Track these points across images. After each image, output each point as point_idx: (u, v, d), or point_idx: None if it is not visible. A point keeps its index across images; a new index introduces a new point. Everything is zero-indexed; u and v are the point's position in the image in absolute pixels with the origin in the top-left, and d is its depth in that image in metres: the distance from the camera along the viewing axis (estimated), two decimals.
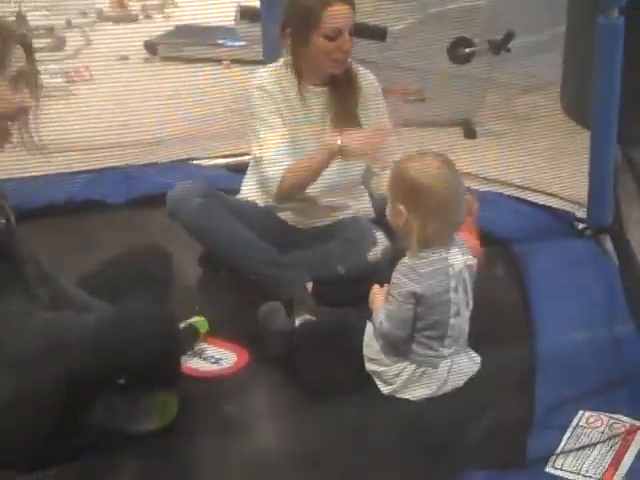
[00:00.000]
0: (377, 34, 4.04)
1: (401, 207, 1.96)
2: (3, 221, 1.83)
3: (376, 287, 2.08)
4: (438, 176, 1.95)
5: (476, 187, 3.11)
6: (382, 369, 2.03)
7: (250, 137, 2.51)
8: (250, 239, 2.43)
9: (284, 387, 2.11)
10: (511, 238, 2.71)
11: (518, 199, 3.04)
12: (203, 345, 2.25)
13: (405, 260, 1.98)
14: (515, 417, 1.91)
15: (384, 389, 2.03)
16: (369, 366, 2.05)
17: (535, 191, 3.14)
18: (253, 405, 2.08)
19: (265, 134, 2.45)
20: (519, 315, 2.33)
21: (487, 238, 2.63)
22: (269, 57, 3.24)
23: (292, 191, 2.44)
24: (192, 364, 2.17)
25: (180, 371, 1.96)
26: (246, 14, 4.35)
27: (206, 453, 1.91)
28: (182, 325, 2.23)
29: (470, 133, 4.01)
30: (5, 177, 3.06)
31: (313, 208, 2.52)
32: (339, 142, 2.33)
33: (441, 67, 4.01)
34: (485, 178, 3.25)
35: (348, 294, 2.15)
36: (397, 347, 2.01)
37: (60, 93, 4.90)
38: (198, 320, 2.29)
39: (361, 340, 2.05)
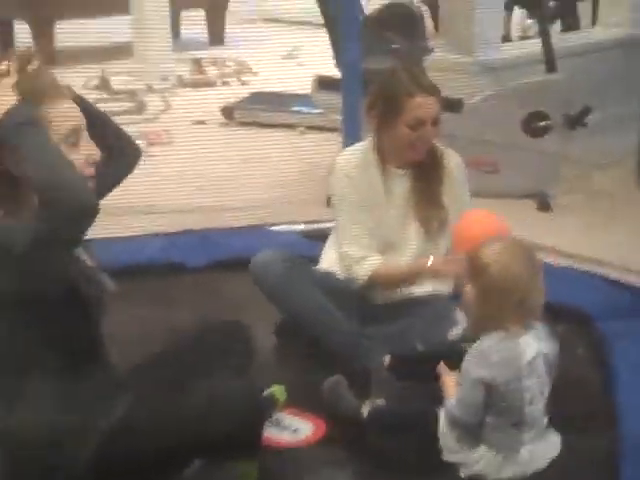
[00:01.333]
0: (453, 106, 4.06)
1: (469, 287, 1.97)
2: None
3: (445, 372, 2.06)
4: (509, 259, 1.94)
5: (550, 261, 3.09)
6: (460, 456, 2.00)
7: (334, 224, 2.55)
8: (331, 309, 2.44)
9: (360, 462, 2.08)
10: (590, 314, 2.67)
11: (595, 275, 3.00)
12: (281, 415, 2.25)
13: (476, 345, 1.96)
14: None
15: (465, 472, 2.00)
16: (448, 456, 2.01)
17: (610, 265, 3.09)
18: (330, 477, 2.07)
19: (349, 227, 2.48)
20: (602, 397, 2.28)
21: (566, 314, 2.63)
22: (349, 129, 3.31)
23: (379, 291, 2.49)
24: (270, 434, 2.16)
25: (261, 443, 1.95)
26: (324, 84, 4.41)
27: None
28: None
29: (544, 206, 3.98)
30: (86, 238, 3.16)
31: None
32: (429, 264, 2.37)
33: (516, 140, 4.02)
34: (560, 252, 3.21)
35: (425, 371, 2.12)
36: (467, 433, 1.98)
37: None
38: (277, 389, 2.28)
39: (434, 430, 2.02)
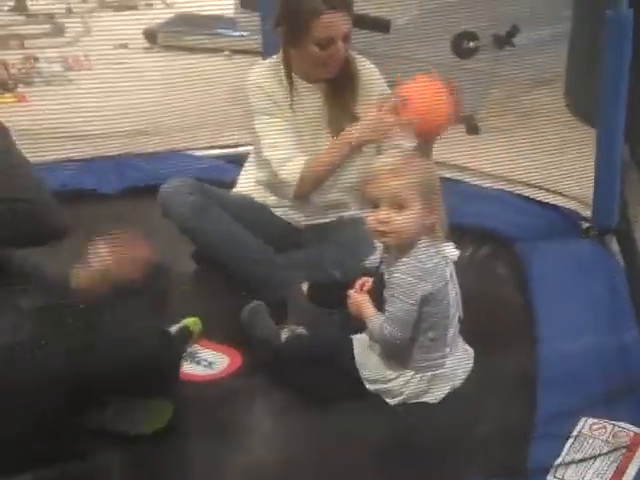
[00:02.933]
0: (380, 26, 3.97)
1: (436, 202, 1.91)
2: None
3: (354, 293, 2.01)
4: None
5: (479, 183, 3.06)
6: (387, 386, 1.97)
7: (252, 135, 2.45)
8: (245, 238, 2.36)
9: (278, 391, 2.04)
10: (514, 236, 2.64)
11: (522, 197, 2.97)
12: (196, 347, 2.20)
13: (406, 259, 1.91)
14: (515, 424, 1.85)
15: (392, 401, 1.97)
16: (372, 387, 1.98)
17: (539, 188, 3.07)
18: (246, 409, 2.03)
19: (270, 136, 2.38)
20: (521, 317, 2.26)
21: (490, 236, 2.60)
22: (268, 49, 3.18)
23: (313, 188, 2.38)
24: (185, 368, 2.10)
25: (177, 379, 1.91)
26: (245, 3, 4.27)
27: (198, 456, 1.87)
28: (175, 327, 2.18)
29: (473, 129, 3.94)
30: None
31: (312, 206, 2.44)
32: (355, 133, 2.26)
33: (444, 61, 3.95)
34: (488, 174, 3.18)
35: (343, 296, 2.05)
36: (399, 352, 1.94)
37: (58, 80, 4.84)
38: (190, 321, 2.22)
39: (351, 359, 1.99)
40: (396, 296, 1.90)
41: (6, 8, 6.29)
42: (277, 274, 2.33)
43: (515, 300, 2.36)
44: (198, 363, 2.15)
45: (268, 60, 2.49)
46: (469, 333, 2.03)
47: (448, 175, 2.97)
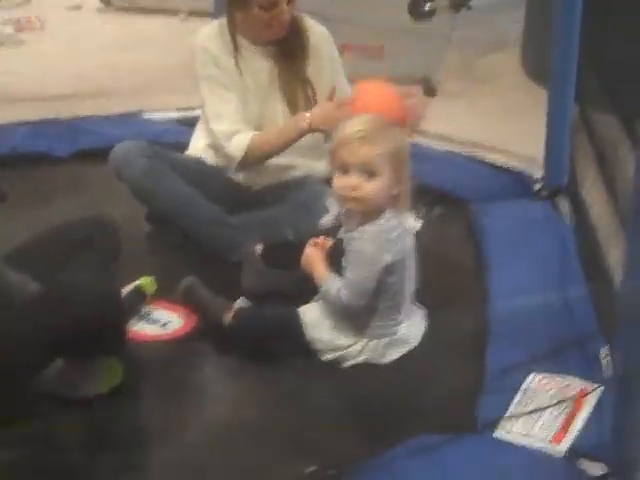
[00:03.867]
0: None
1: (404, 172, 1.90)
2: None
3: (310, 250, 2.00)
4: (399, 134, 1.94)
5: (433, 145, 3.08)
6: (341, 353, 1.96)
7: (201, 101, 2.42)
8: (197, 200, 2.35)
9: (230, 354, 2.04)
10: (467, 198, 2.66)
11: (475, 159, 2.98)
12: (150, 307, 2.18)
13: (369, 227, 1.89)
14: (466, 381, 1.88)
15: (346, 364, 1.97)
16: (326, 356, 1.97)
17: (492, 150, 3.08)
18: (197, 370, 2.03)
19: (215, 105, 2.36)
20: (472, 277, 2.29)
21: (444, 197, 2.62)
22: (219, 11, 3.14)
23: (257, 163, 2.38)
24: (139, 327, 2.10)
25: (125, 339, 1.90)
26: None
27: (150, 417, 1.88)
28: (129, 287, 2.17)
29: (430, 91, 3.94)
30: None
31: (264, 166, 2.44)
32: (307, 122, 2.27)
33: (401, 23, 3.94)
34: (443, 136, 3.19)
35: (296, 258, 2.05)
36: (355, 319, 1.95)
37: (10, 42, 4.74)
38: (145, 281, 2.21)
39: (300, 330, 1.98)
40: (357, 264, 1.89)
41: None
42: (230, 235, 2.32)
43: (467, 260, 2.38)
44: (152, 323, 2.14)
45: (217, 21, 2.46)
46: (422, 293, 2.05)
47: None
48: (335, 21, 3.71)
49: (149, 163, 2.32)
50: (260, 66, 2.39)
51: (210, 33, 2.40)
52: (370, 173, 1.87)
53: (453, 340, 2.02)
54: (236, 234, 2.32)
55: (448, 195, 2.64)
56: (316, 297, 2.02)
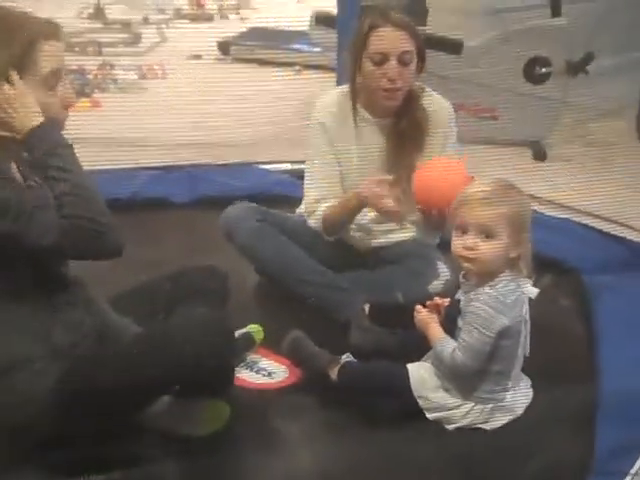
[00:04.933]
0: (452, 47, 3.97)
1: (525, 235, 1.90)
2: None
3: (421, 309, 2.00)
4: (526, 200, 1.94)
5: (546, 211, 3.04)
6: (447, 413, 1.95)
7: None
8: (305, 262, 2.37)
9: (335, 409, 2.03)
10: (581, 268, 2.62)
11: (590, 228, 2.94)
12: (256, 357, 2.22)
13: (488, 290, 1.89)
14: (575, 459, 1.83)
15: (449, 427, 1.96)
16: (431, 415, 1.97)
17: (609, 221, 3.02)
18: (300, 423, 2.03)
19: (315, 177, 2.39)
20: (582, 350, 2.25)
21: (557, 266, 2.58)
22: (342, 71, 3.20)
23: (334, 233, 2.39)
24: (245, 376, 2.14)
25: (233, 380, 1.93)
26: (321, 19, 4.31)
27: (248, 465, 1.88)
28: (239, 332, 2.20)
29: (540, 155, 3.92)
30: None
31: (375, 227, 2.44)
32: (359, 198, 2.26)
33: (516, 86, 3.93)
34: (556, 203, 3.15)
35: (404, 319, 2.06)
36: (465, 381, 1.93)
37: (133, 88, 4.95)
38: (254, 329, 2.25)
39: (407, 387, 1.98)
40: (474, 326, 1.89)
41: (85, 15, 6.46)
42: (339, 296, 2.32)
43: (579, 333, 2.34)
44: (257, 372, 2.17)
45: (338, 90, 2.46)
46: (529, 363, 2.01)
47: None
48: (450, 80, 3.78)
49: (258, 226, 2.36)
50: (372, 139, 2.37)
51: (328, 105, 2.39)
52: (488, 234, 1.88)
53: (559, 414, 1.98)
54: (344, 295, 2.33)
55: (561, 263, 2.60)
56: (427, 357, 2.01)
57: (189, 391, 1.85)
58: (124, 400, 1.74)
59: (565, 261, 2.64)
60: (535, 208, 2.99)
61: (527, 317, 1.95)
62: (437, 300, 2.02)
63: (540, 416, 1.97)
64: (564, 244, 2.72)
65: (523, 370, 2.01)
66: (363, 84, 2.32)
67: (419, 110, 2.34)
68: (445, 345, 1.93)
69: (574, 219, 3.02)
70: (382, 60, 2.25)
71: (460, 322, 1.93)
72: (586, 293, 2.49)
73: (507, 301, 1.88)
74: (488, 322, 1.87)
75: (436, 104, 2.37)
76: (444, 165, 2.18)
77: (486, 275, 1.91)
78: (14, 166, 1.75)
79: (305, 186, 2.42)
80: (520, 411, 1.98)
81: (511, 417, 1.96)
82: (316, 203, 2.37)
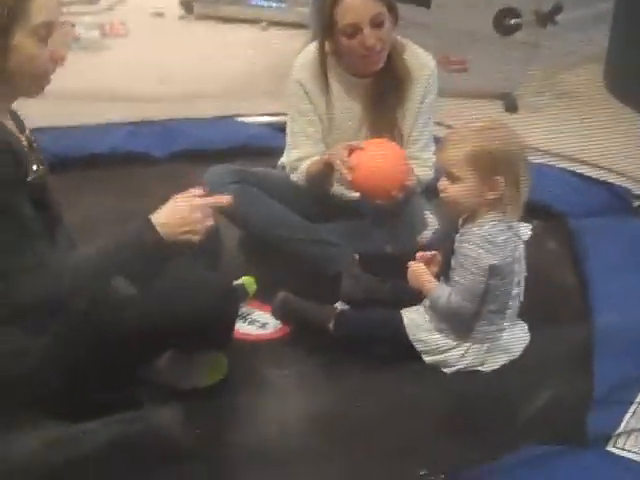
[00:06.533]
0: (421, 0, 3.94)
1: (499, 179, 1.85)
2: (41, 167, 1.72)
3: (414, 264, 2.00)
4: (519, 141, 1.91)
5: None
6: (444, 356, 1.97)
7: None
8: (290, 219, 2.32)
9: (331, 355, 2.04)
10: (567, 213, 2.64)
11: (573, 173, 2.95)
12: (249, 308, 2.20)
13: (476, 230, 1.90)
14: (575, 394, 1.85)
15: (448, 370, 1.97)
16: (428, 359, 1.98)
17: (590, 165, 3.03)
18: (299, 371, 2.03)
19: (296, 135, 2.34)
20: (576, 291, 2.27)
21: (542, 211, 2.59)
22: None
23: (317, 188, 2.34)
24: (239, 327, 2.10)
25: (233, 334, 1.91)
26: None
27: (247, 414, 1.88)
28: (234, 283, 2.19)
29: (512, 106, 3.92)
30: (45, 125, 3.02)
31: None
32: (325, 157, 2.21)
33: (485, 37, 3.92)
34: (536, 148, 3.15)
35: (394, 269, 2.06)
36: (461, 323, 1.94)
37: (95, 47, 4.84)
38: (247, 280, 2.23)
39: (403, 333, 1.98)
40: (465, 266, 1.89)
41: None
42: (327, 251, 2.29)
43: (568, 275, 2.36)
44: (251, 323, 2.16)
45: (314, 44, 2.35)
46: (523, 307, 2.02)
47: None
48: (426, 29, 3.75)
49: (239, 188, 2.29)
50: (350, 106, 2.31)
51: (307, 61, 2.32)
52: (451, 176, 1.88)
53: (556, 354, 1.99)
54: (333, 250, 2.29)
55: (547, 208, 2.61)
56: (423, 304, 2.01)
57: (191, 346, 1.85)
58: (128, 354, 1.72)
59: (552, 206, 2.65)
60: None
61: (521, 259, 1.96)
62: (424, 254, 2.01)
63: (536, 356, 1.99)
64: (547, 189, 2.71)
65: (519, 314, 2.02)
66: (340, 51, 2.24)
67: (400, 66, 2.27)
68: (440, 292, 1.94)
69: (554, 164, 3.02)
70: (355, 31, 2.16)
71: (453, 262, 1.94)
72: (572, 236, 2.51)
73: (496, 240, 1.88)
74: (477, 261, 1.88)
75: (418, 59, 2.31)
76: (380, 154, 2.13)
77: (467, 216, 1.92)
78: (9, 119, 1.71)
79: (287, 143, 2.38)
80: (517, 352, 1.99)
81: (508, 358, 1.97)
82: (298, 161, 2.34)
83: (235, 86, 3.90)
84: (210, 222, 1.74)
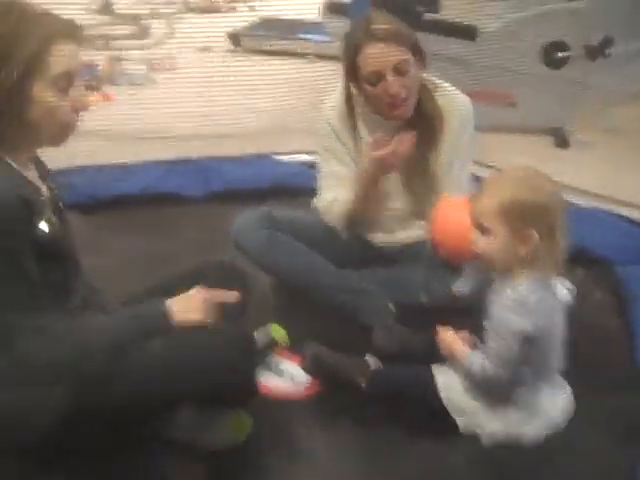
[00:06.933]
0: (466, 33, 3.87)
1: (532, 232, 1.71)
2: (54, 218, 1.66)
3: (443, 332, 1.89)
4: (557, 192, 1.76)
5: (572, 200, 2.93)
6: (474, 419, 1.84)
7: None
8: (320, 266, 2.24)
9: (360, 414, 1.94)
10: (615, 260, 2.50)
11: (621, 217, 2.82)
12: (278, 358, 2.11)
13: (509, 292, 1.76)
14: (617, 468, 1.72)
15: (486, 441, 1.84)
16: (463, 423, 1.85)
17: (632, 206, 2.90)
18: (329, 432, 1.93)
19: (327, 178, 2.27)
20: (622, 346, 2.13)
21: (587, 258, 2.46)
22: None
23: (356, 226, 2.27)
24: (267, 379, 2.04)
25: (255, 392, 1.82)
26: (333, 8, 4.21)
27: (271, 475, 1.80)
28: (260, 332, 2.11)
29: (562, 142, 3.82)
30: (80, 165, 3.03)
31: (394, 222, 2.32)
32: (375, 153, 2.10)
33: (534, 71, 3.83)
34: (583, 191, 3.03)
35: (430, 320, 1.96)
36: (501, 390, 1.81)
37: (142, 81, 4.87)
38: (275, 328, 2.14)
39: (434, 392, 1.87)
40: (497, 331, 1.77)
41: (93, 8, 6.38)
42: (361, 300, 2.20)
43: (614, 330, 2.22)
44: (280, 375, 2.07)
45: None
46: (569, 365, 1.87)
47: None
48: (468, 65, 3.68)
49: (267, 234, 2.23)
50: None
51: (337, 101, 2.25)
52: (481, 228, 1.76)
53: (601, 418, 1.87)
54: (366, 299, 2.21)
55: (590, 255, 2.49)
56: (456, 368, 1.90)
57: (206, 402, 1.78)
58: (140, 411, 1.66)
59: (596, 251, 2.52)
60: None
61: (561, 322, 1.80)
62: (459, 335, 1.90)
63: (579, 421, 1.84)
64: (593, 234, 2.59)
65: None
66: (366, 96, 2.17)
67: (431, 107, 2.19)
68: (473, 360, 1.82)
69: (601, 208, 2.90)
70: (378, 78, 2.09)
71: (486, 324, 1.81)
72: (620, 285, 2.37)
73: (530, 304, 1.73)
74: (510, 327, 1.73)
75: (451, 99, 2.22)
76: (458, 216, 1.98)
77: (501, 273, 1.78)
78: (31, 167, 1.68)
79: (319, 186, 2.30)
80: (559, 420, 1.84)
81: (546, 423, 1.83)
82: (331, 203, 2.26)
83: (276, 122, 3.85)
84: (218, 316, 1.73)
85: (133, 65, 5.03)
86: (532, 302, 1.73)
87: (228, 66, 5.05)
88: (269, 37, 5.41)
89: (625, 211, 2.87)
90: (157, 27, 5.95)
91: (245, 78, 4.66)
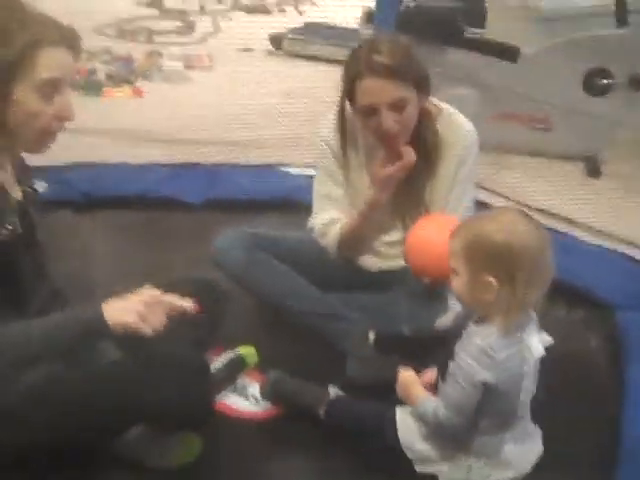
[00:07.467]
0: (508, 54, 3.75)
1: (490, 279, 1.59)
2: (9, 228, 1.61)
3: (403, 373, 1.79)
4: (531, 236, 1.60)
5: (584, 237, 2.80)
6: (435, 469, 1.75)
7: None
8: (300, 288, 2.15)
9: (319, 443, 1.87)
10: (614, 302, 2.36)
11: (629, 258, 2.68)
12: (246, 380, 2.05)
13: (476, 340, 1.64)
14: None
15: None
16: (420, 468, 1.76)
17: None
18: (281, 458, 1.87)
19: (320, 199, 2.18)
20: (609, 397, 2.00)
21: (586, 299, 2.34)
22: None
23: (351, 251, 2.18)
24: (231, 400, 1.98)
25: (209, 417, 1.75)
26: (369, 17, 4.14)
27: None
28: (228, 354, 2.06)
29: (594, 170, 3.68)
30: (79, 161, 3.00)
31: (384, 247, 2.24)
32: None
33: (573, 97, 3.70)
34: (598, 231, 2.90)
35: (409, 351, 1.91)
36: (457, 435, 1.71)
37: (176, 77, 4.84)
38: (245, 350, 2.08)
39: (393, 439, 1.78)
40: (456, 378, 1.65)
41: (143, 1, 6.40)
42: (342, 328, 2.12)
43: (606, 378, 2.09)
44: (246, 398, 2.01)
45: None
46: (548, 407, 1.76)
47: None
48: (506, 88, 3.57)
49: (248, 254, 2.15)
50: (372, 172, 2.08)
51: (332, 122, 2.13)
52: (451, 268, 1.66)
53: (575, 470, 1.77)
54: (342, 325, 2.12)
55: (591, 297, 2.36)
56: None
57: (159, 424, 1.73)
58: (89, 427, 1.61)
59: (596, 294, 2.38)
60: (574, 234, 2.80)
61: (532, 374, 1.68)
62: (422, 375, 1.81)
63: (551, 471, 1.74)
64: (596, 275, 2.47)
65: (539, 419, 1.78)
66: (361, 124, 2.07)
67: (430, 134, 2.06)
68: (426, 405, 1.71)
69: (613, 248, 2.76)
70: (372, 112, 1.97)
71: (451, 366, 1.69)
72: (618, 332, 2.23)
73: (496, 356, 1.61)
74: (469, 375, 1.62)
75: (454, 126, 2.09)
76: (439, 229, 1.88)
77: (482, 317, 1.67)
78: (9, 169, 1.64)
79: (315, 207, 2.21)
80: (525, 468, 1.74)
81: (511, 474, 1.72)
82: (326, 225, 2.17)
83: (297, 131, 3.77)
84: (163, 322, 1.59)
85: (170, 61, 5.00)
86: (499, 358, 1.61)
87: (266, 68, 5.03)
88: (311, 42, 5.34)
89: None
90: (203, 24, 5.94)
91: (281, 82, 4.62)
